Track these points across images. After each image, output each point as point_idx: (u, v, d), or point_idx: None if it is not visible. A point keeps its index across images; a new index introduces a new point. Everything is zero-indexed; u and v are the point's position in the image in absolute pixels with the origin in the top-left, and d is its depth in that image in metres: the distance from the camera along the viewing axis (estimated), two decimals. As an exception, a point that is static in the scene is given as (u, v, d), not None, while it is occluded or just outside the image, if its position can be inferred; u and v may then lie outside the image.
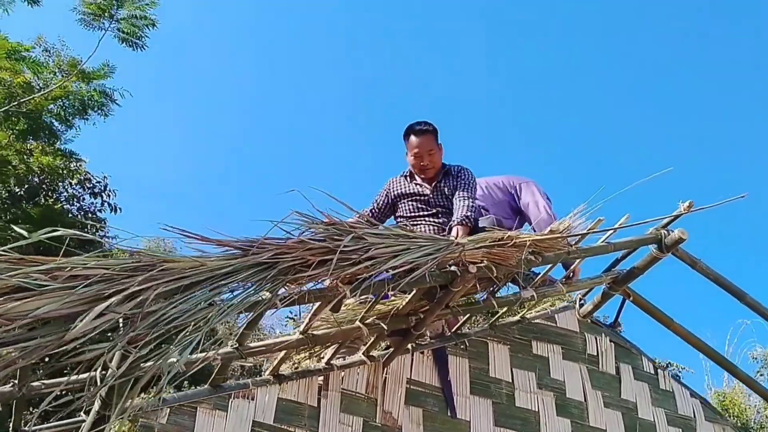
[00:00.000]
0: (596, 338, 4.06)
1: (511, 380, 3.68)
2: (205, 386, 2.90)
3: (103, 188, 12.35)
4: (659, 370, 4.15)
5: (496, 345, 3.76)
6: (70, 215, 11.57)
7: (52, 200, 11.37)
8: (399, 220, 3.82)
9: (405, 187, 3.86)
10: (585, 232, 3.34)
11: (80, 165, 11.95)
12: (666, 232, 3.66)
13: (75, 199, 11.95)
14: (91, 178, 12.27)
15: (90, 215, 12.10)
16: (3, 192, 10.90)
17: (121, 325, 2.02)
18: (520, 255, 3.12)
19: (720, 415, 4.28)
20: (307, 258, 2.41)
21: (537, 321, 3.97)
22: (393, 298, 3.27)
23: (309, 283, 2.48)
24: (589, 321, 4.11)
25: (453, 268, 2.93)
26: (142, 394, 2.64)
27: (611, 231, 3.51)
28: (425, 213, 3.77)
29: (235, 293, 2.28)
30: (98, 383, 2.05)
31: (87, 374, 2.15)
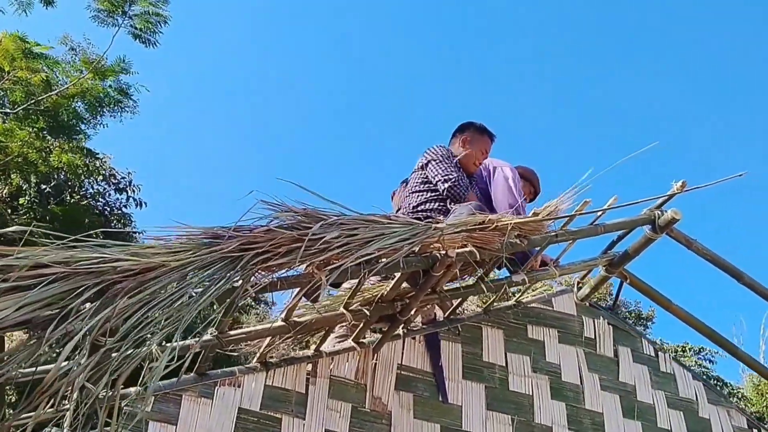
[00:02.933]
0: (594, 321, 4.02)
1: (504, 364, 3.66)
2: (191, 374, 2.95)
3: (128, 183, 12.58)
4: (660, 353, 4.10)
5: (490, 330, 3.75)
6: (95, 212, 11.82)
7: (78, 197, 11.62)
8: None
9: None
10: (571, 214, 3.32)
11: (104, 161, 12.16)
12: (659, 212, 3.61)
13: (100, 196, 12.19)
14: (116, 174, 12.50)
15: (115, 211, 12.35)
16: (31, 191, 11.15)
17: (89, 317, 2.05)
18: (503, 238, 3.12)
19: (723, 397, 4.21)
20: (276, 246, 2.44)
21: (533, 305, 3.94)
22: (377, 284, 3.29)
23: (280, 270, 2.51)
24: (586, 304, 4.07)
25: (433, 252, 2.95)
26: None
27: (600, 213, 3.48)
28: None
29: (205, 284, 2.32)
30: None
31: (64, 364, 2.21)
